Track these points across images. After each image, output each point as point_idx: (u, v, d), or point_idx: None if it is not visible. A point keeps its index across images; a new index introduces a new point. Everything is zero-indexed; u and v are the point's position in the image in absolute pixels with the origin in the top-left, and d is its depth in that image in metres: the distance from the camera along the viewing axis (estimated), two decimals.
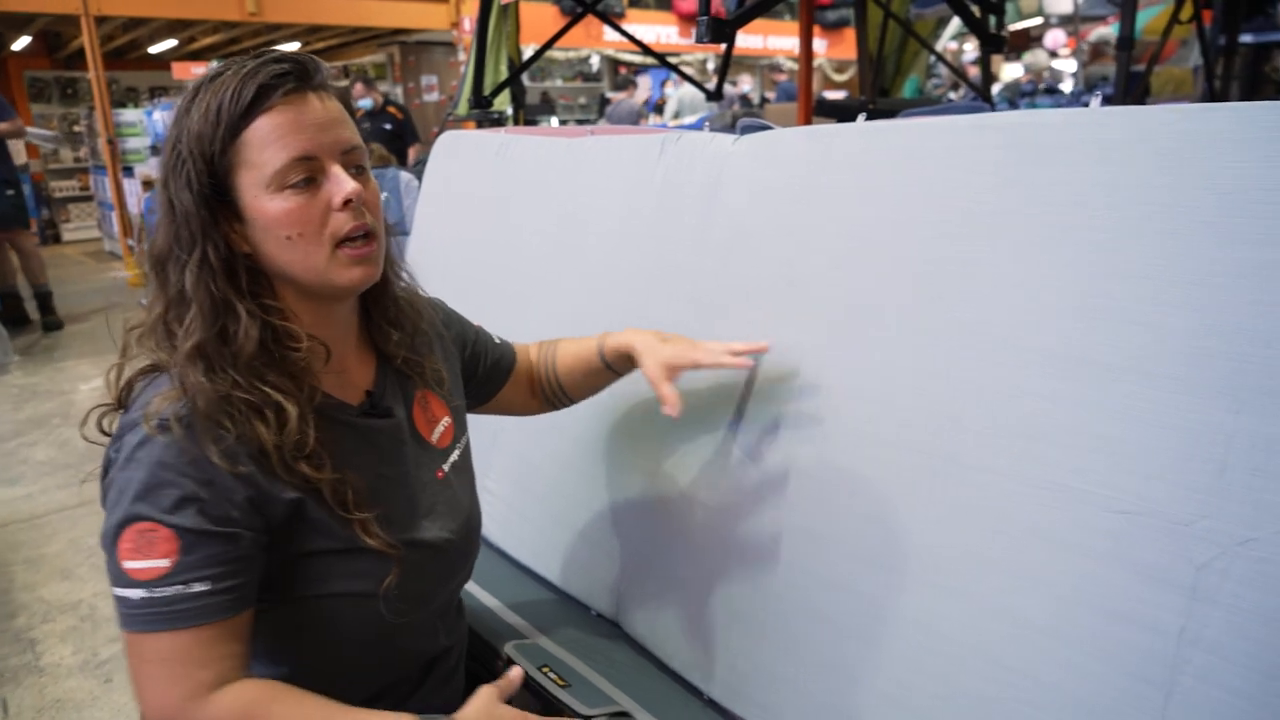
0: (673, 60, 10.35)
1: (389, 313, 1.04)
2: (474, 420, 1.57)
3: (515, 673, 0.93)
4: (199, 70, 7.73)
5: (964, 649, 0.90)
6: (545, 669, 1.19)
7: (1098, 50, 6.39)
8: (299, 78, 0.85)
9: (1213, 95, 2.46)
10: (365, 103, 7.25)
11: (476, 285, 1.74)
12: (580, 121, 10.26)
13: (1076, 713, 0.81)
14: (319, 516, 0.87)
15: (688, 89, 8.47)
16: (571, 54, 10.85)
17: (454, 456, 1.08)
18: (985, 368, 0.93)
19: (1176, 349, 0.79)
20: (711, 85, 2.58)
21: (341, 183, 0.86)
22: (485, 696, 0.89)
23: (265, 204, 0.84)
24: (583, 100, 10.87)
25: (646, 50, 2.32)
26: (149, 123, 7.41)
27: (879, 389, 1.02)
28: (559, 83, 10.89)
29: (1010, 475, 0.89)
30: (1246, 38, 3.20)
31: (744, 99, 10.08)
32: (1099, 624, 0.81)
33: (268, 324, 0.87)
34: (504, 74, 3.68)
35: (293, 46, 10.24)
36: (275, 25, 8.90)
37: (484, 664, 1.28)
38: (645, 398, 1.34)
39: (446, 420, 1.09)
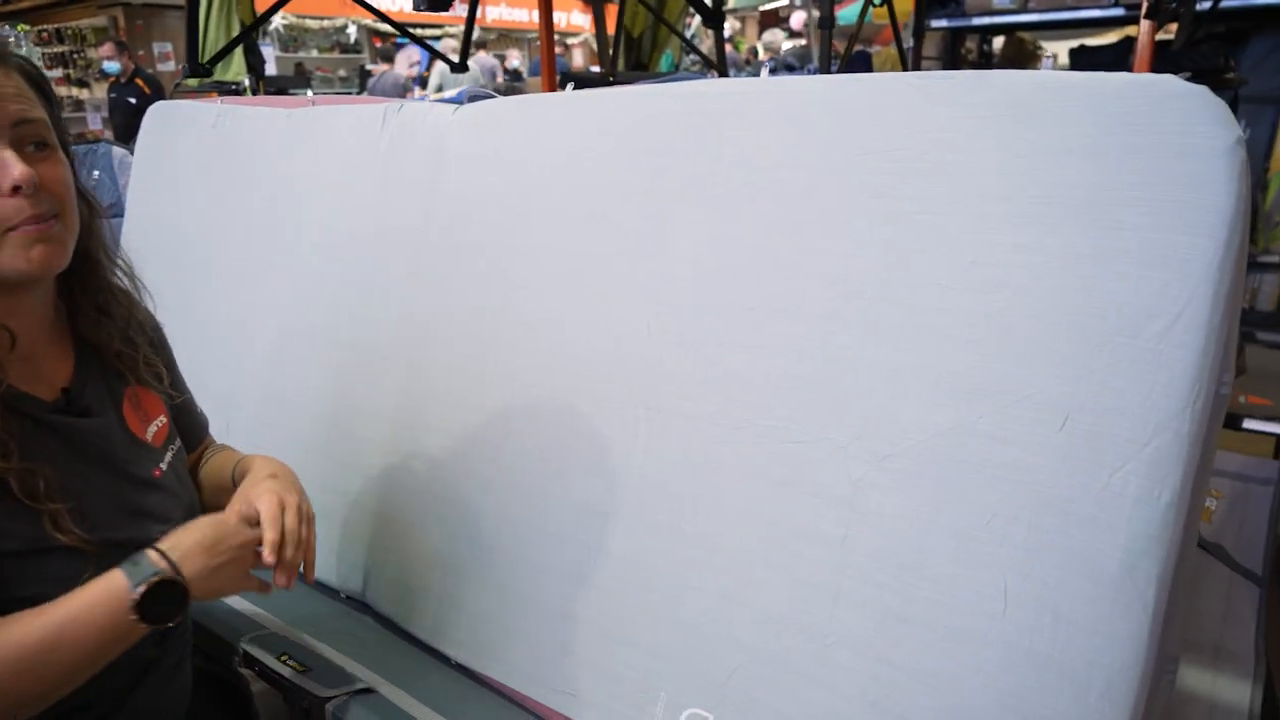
0: (437, 33, 10.05)
1: (99, 299, 0.95)
2: (203, 407, 1.45)
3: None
4: None
5: (672, 581, 0.98)
6: (284, 657, 1.15)
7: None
8: None
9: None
10: (111, 66, 6.42)
11: (194, 268, 1.62)
12: (340, 95, 9.73)
13: (766, 624, 0.91)
14: (3, 512, 0.80)
15: None
16: (327, 23, 10.22)
17: (169, 455, 1.01)
18: (683, 321, 1.00)
19: (831, 292, 0.89)
20: (476, 58, 2.53)
21: (8, 167, 0.79)
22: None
23: None
24: (342, 73, 10.27)
25: (381, 17, 2.25)
26: None
27: (590, 345, 1.07)
28: (315, 54, 10.24)
29: (705, 418, 0.97)
30: (941, 22, 3.61)
31: (514, 72, 9.99)
32: (780, 542, 0.90)
33: None
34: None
35: None
36: None
37: (221, 663, 1.22)
38: (376, 372, 1.32)
39: (162, 419, 1.02)
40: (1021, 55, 4.59)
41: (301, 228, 1.47)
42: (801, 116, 0.94)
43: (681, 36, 3.69)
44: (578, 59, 12.29)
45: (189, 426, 1.12)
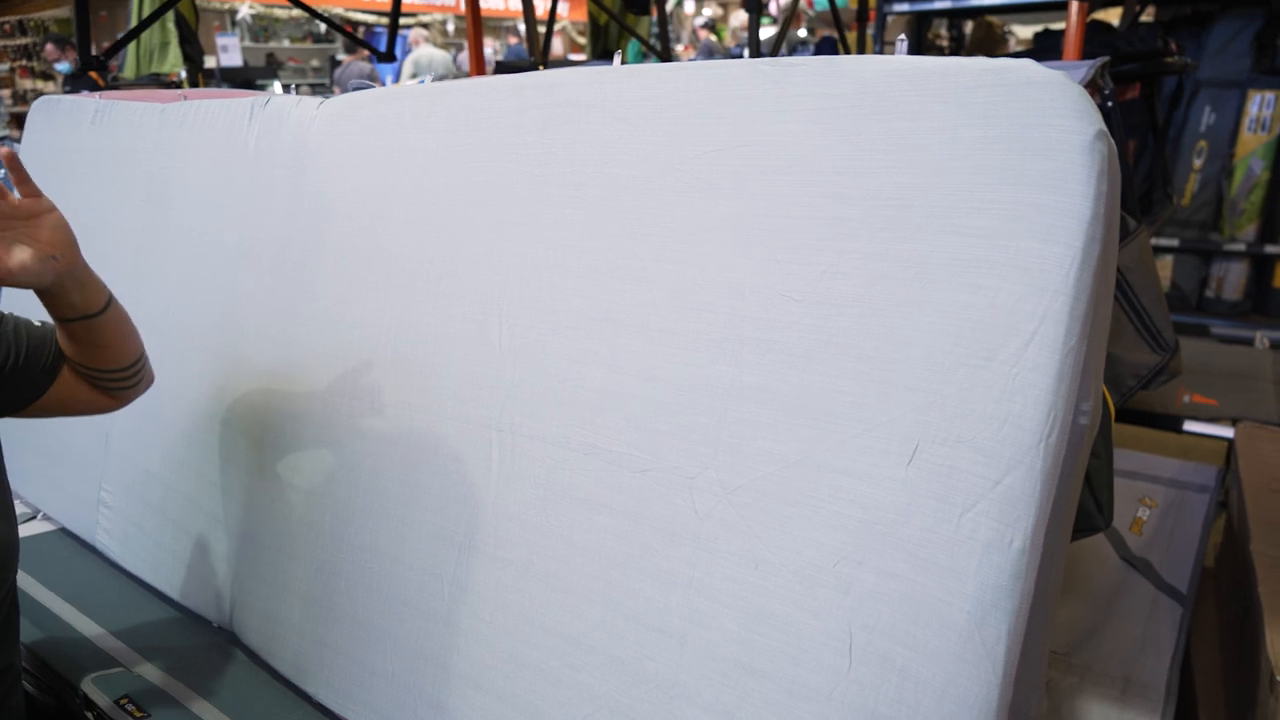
0: (411, 21, 9.87)
1: None
2: (81, 425, 1.35)
3: None
4: None
5: (524, 620, 0.89)
6: (124, 701, 1.06)
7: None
8: None
9: None
10: (63, 66, 6.34)
11: None
12: (313, 86, 9.59)
13: (614, 672, 0.82)
14: None
15: (424, 50, 8.16)
16: (297, 13, 10.03)
17: None
18: (532, 333, 0.91)
19: (679, 305, 0.81)
20: (425, 46, 2.40)
21: None
22: None
23: None
24: (315, 63, 10.11)
25: (303, 7, 2.15)
26: None
27: (441, 360, 0.99)
28: (286, 43, 10.07)
29: (555, 440, 0.88)
30: (903, 6, 3.51)
31: (499, 65, 9.84)
32: (625, 582, 0.82)
33: None
34: (172, 32, 3.32)
35: None
36: None
37: (63, 701, 1.13)
38: (242, 385, 1.23)
39: None
40: (990, 40, 4.49)
41: (173, 230, 1.37)
42: (656, 108, 0.85)
43: (628, 28, 3.59)
44: (557, 47, 12.16)
45: (40, 346, 1.00)
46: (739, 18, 7.97)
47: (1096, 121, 0.62)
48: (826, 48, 4.70)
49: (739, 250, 0.77)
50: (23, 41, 8.60)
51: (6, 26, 8.60)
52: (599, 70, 0.92)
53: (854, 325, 0.71)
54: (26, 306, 1.10)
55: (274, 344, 1.20)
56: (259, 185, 1.24)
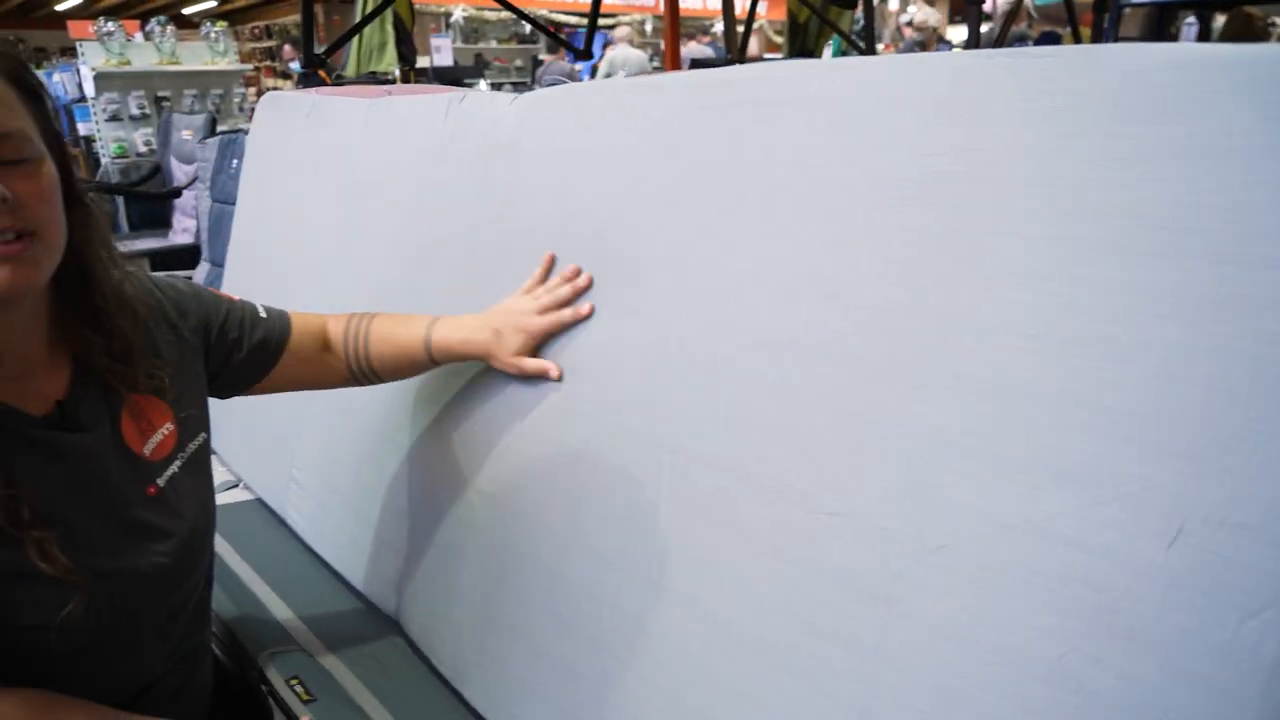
0: (609, 21, 10.08)
1: (87, 315, 0.89)
2: (280, 402, 1.41)
3: None
4: (94, 28, 7.31)
5: (683, 660, 0.82)
6: (294, 681, 1.09)
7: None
8: None
9: None
10: (296, 66, 7.01)
11: (283, 260, 1.61)
12: (515, 84, 10.02)
13: None
14: None
15: (620, 50, 8.28)
16: (506, 15, 10.52)
17: (174, 468, 0.95)
18: (712, 348, 0.84)
19: (875, 329, 0.71)
20: (621, 46, 2.42)
21: None
22: None
23: None
24: (519, 63, 10.59)
25: (508, 7, 2.19)
26: (49, 84, 7.02)
27: (617, 369, 0.94)
28: (493, 44, 10.60)
29: (726, 469, 0.81)
30: None
31: (694, 62, 9.90)
32: (801, 638, 0.73)
33: None
34: (390, 33, 3.52)
35: (209, 4, 9.78)
36: None
37: (244, 671, 1.18)
38: (422, 381, 1.24)
39: (168, 427, 0.96)
40: (1248, 35, 3.96)
41: (371, 225, 1.41)
42: (863, 107, 0.75)
43: (830, 24, 3.44)
44: (753, 47, 12.09)
45: (267, 335, 1.08)
46: (925, 13, 7.56)
47: None
48: (1047, 44, 4.33)
49: (954, 272, 0.67)
50: (267, 44, 9.57)
51: (255, 30, 9.60)
52: (798, 64, 0.84)
53: (1097, 370, 0.59)
54: (249, 291, 1.15)
55: None
56: (450, 183, 1.25)
